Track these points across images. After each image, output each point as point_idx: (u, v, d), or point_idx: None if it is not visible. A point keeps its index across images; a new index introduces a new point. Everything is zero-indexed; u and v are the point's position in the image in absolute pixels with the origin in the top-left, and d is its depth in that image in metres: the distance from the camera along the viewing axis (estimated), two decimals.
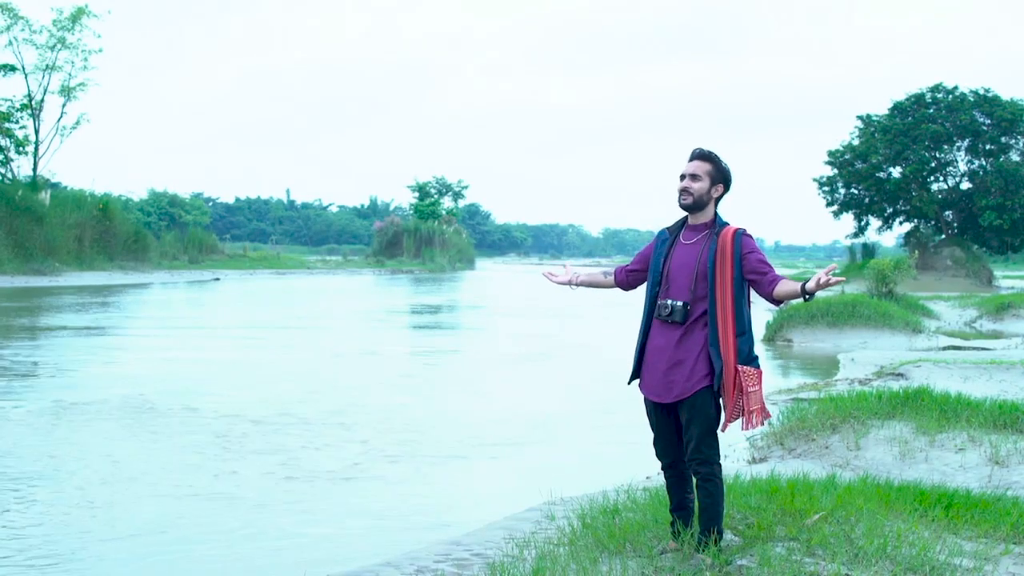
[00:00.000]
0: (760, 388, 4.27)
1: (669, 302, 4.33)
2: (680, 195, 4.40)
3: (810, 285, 4.04)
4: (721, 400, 4.30)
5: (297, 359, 14.76)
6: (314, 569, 5.03)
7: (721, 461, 4.38)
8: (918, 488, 5.52)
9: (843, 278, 4.24)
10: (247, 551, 5.50)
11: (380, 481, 7.09)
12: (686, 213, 4.46)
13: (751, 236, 4.34)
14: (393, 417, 9.63)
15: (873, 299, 20.23)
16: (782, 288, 4.18)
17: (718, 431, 4.33)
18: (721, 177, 4.40)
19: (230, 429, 8.75)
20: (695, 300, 4.30)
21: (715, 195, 4.41)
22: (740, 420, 4.30)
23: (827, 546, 4.36)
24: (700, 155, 4.41)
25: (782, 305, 4.37)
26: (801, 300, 4.18)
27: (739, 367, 4.22)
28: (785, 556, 4.24)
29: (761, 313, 21.59)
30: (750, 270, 4.26)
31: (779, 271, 4.52)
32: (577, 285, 4.83)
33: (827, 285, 4.00)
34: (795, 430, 7.88)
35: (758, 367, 4.28)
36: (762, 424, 4.32)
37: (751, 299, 4.39)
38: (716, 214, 4.44)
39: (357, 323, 22.46)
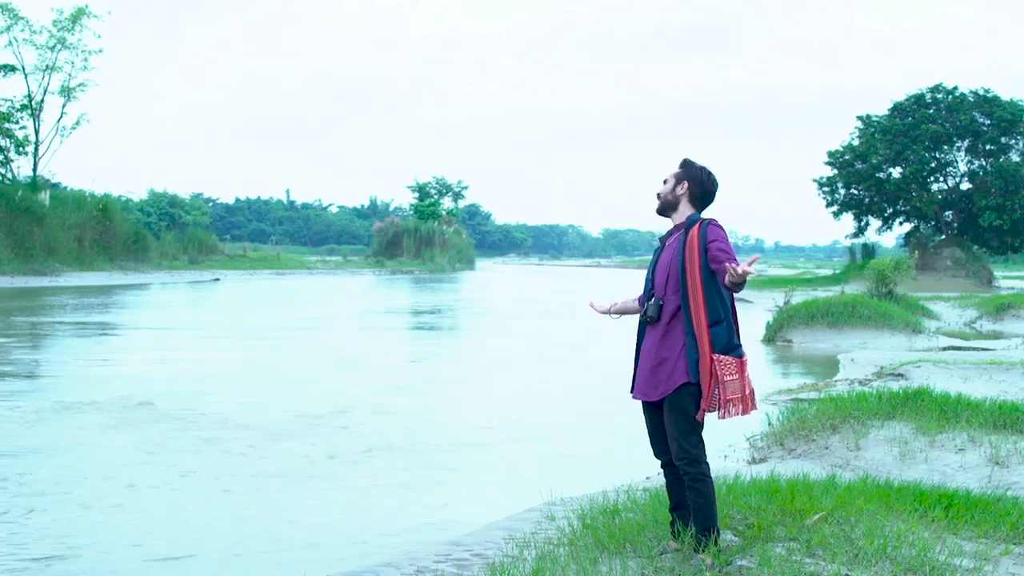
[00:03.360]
0: (740, 377, 4.22)
1: (647, 303, 4.42)
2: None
3: (740, 270, 3.99)
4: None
5: (297, 361, 14.77)
6: (314, 569, 5.03)
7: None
8: (918, 488, 5.51)
9: (757, 256, 4.36)
10: (246, 551, 5.50)
11: (380, 481, 7.09)
12: (668, 219, 4.56)
13: (719, 226, 4.34)
14: (393, 418, 9.63)
15: (873, 299, 20.22)
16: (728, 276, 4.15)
17: (699, 428, 4.31)
18: (686, 175, 4.50)
19: (228, 431, 8.75)
20: (669, 296, 4.34)
21: (680, 192, 4.49)
22: (717, 411, 4.24)
23: (827, 546, 4.35)
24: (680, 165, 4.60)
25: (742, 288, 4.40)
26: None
27: (715, 356, 4.19)
28: (785, 556, 4.24)
29: (761, 313, 21.60)
30: (711, 259, 4.23)
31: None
32: (616, 313, 4.90)
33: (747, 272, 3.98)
34: (795, 430, 7.86)
35: (740, 356, 4.24)
36: (740, 414, 4.26)
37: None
38: (692, 213, 4.48)
39: (357, 324, 22.46)
